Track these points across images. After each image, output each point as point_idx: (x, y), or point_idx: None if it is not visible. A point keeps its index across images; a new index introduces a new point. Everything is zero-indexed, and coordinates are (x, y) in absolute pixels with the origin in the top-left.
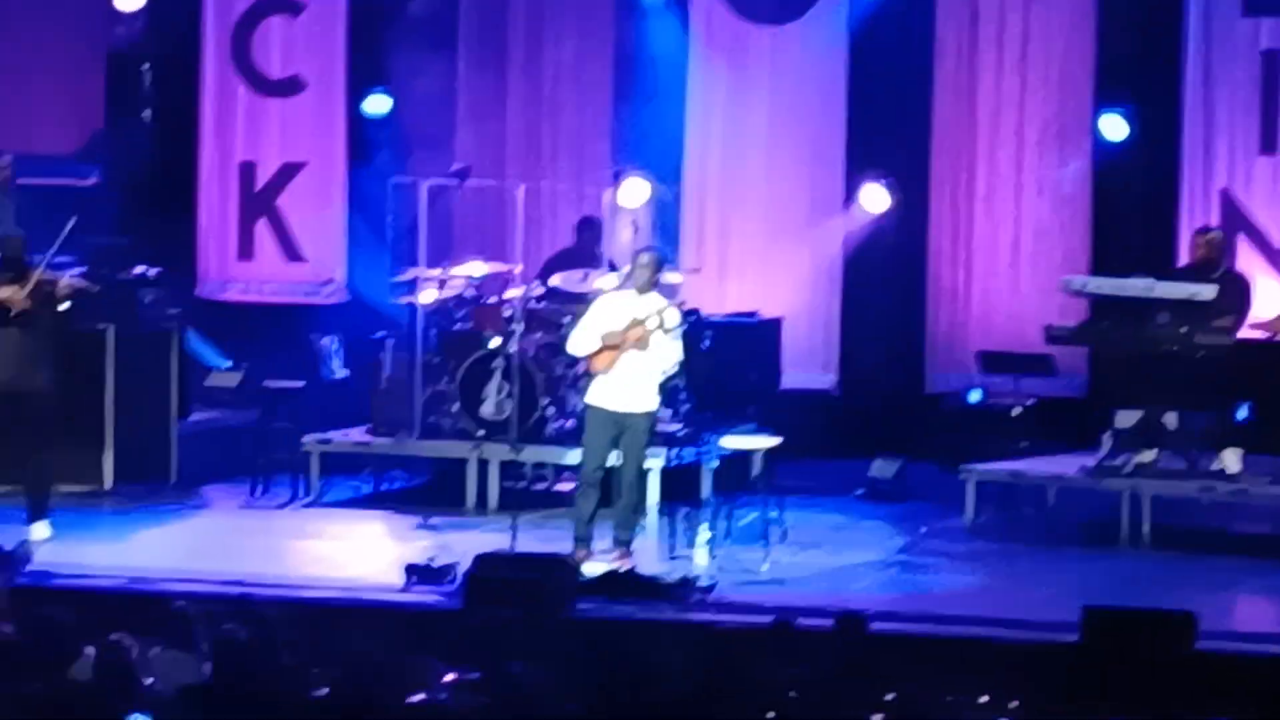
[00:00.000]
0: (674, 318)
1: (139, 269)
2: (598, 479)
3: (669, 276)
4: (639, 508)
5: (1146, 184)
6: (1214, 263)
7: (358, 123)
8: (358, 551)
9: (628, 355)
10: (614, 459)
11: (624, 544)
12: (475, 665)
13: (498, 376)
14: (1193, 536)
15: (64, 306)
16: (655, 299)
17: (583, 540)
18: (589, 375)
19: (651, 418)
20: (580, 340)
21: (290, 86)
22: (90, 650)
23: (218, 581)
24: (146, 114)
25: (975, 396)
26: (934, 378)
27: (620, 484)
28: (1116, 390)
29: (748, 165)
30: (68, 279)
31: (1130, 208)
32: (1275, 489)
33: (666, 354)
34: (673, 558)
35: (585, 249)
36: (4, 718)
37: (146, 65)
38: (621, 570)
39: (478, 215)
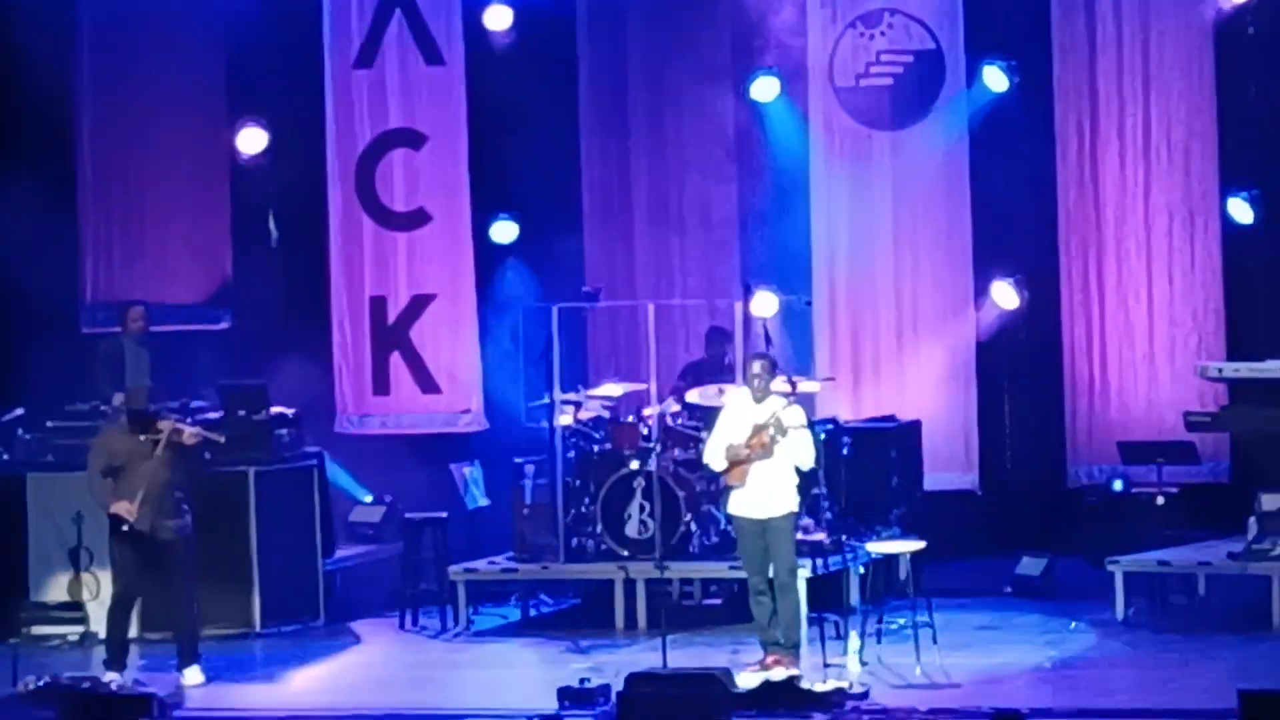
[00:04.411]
0: (792, 417)
1: (276, 408)
2: (765, 585)
3: (806, 386)
4: (799, 608)
5: (1277, 265)
6: None
7: (485, 250)
8: (510, 678)
9: (756, 465)
10: None
11: (793, 648)
12: None
13: (639, 495)
14: None
15: None
16: (773, 402)
17: (772, 645)
18: (727, 488)
19: (792, 518)
20: (712, 455)
21: (416, 219)
22: None
23: (372, 716)
24: (274, 255)
25: (1118, 485)
26: (1075, 471)
27: (776, 589)
28: (1260, 473)
29: (876, 269)
30: (193, 430)
31: (1262, 290)
32: None
33: (795, 452)
34: (825, 666)
35: (715, 359)
36: None
37: (271, 207)
38: (783, 678)
39: (610, 335)
